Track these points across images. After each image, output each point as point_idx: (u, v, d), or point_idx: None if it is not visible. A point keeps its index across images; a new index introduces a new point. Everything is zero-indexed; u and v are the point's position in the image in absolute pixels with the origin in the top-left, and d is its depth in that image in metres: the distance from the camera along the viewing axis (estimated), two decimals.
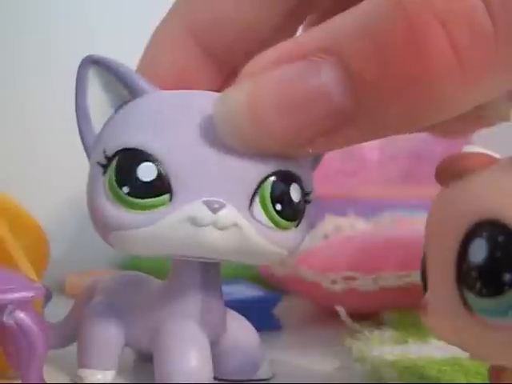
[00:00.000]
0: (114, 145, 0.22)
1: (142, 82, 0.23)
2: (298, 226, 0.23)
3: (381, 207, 0.47)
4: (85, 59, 0.23)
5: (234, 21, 0.25)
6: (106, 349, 0.25)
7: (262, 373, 0.26)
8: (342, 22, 0.19)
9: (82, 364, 0.25)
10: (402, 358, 0.26)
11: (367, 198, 0.49)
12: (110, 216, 0.22)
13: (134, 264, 0.44)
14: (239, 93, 0.20)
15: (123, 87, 0.23)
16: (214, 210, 0.21)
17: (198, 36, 0.25)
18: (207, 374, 0.23)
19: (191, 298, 0.24)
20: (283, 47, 0.20)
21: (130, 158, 0.22)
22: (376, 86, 0.18)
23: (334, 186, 0.48)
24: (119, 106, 0.23)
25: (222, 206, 0.21)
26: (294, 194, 0.22)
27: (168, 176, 0.21)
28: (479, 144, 0.19)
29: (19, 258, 0.27)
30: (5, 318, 0.22)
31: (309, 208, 0.23)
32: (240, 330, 0.26)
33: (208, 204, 0.21)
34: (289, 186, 0.22)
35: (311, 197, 0.23)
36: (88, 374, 0.25)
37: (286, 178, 0.22)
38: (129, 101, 0.23)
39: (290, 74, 0.19)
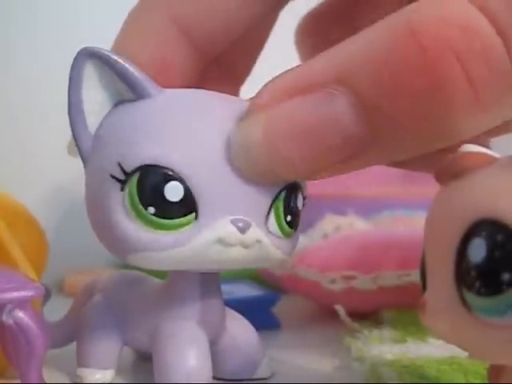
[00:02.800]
0: (132, 158, 0.21)
1: (147, 81, 0.22)
2: (295, 230, 0.23)
3: (380, 207, 0.47)
4: (81, 52, 0.21)
5: (218, 9, 0.25)
6: (105, 348, 0.25)
7: (261, 372, 0.26)
8: (354, 50, 0.19)
9: (81, 363, 0.25)
10: (401, 357, 0.26)
11: (366, 197, 0.49)
12: (133, 236, 0.21)
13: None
14: (254, 126, 0.20)
15: (123, 84, 0.22)
16: (242, 230, 0.21)
17: (181, 23, 0.25)
18: (206, 373, 0.23)
19: (191, 298, 0.24)
20: (294, 77, 0.20)
21: (155, 176, 0.21)
22: (391, 117, 0.18)
23: (333, 185, 0.48)
24: (117, 103, 0.22)
25: (249, 225, 0.21)
26: (299, 202, 0.23)
27: (194, 194, 0.21)
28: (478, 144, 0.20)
29: (18, 257, 0.27)
30: (4, 318, 0.22)
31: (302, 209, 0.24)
32: (239, 330, 0.26)
33: (236, 224, 0.21)
34: (296, 196, 0.23)
35: (306, 200, 0.24)
36: (87, 374, 0.25)
37: (293, 189, 0.22)
38: (131, 100, 0.22)
39: (303, 106, 0.19)
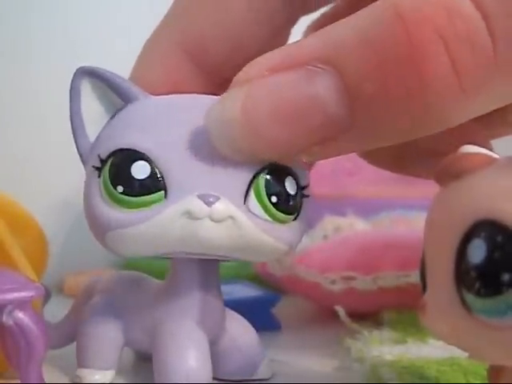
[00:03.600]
0: (107, 147, 0.22)
1: (134, 89, 0.23)
2: (296, 219, 0.23)
3: (380, 207, 0.47)
4: (77, 71, 0.23)
5: (226, 35, 0.25)
6: (105, 349, 0.25)
7: (261, 372, 0.26)
8: (340, 32, 0.19)
9: (81, 364, 0.25)
10: (400, 358, 0.26)
11: (366, 198, 0.49)
12: (105, 216, 0.22)
13: (133, 264, 0.44)
14: (233, 101, 0.20)
15: (117, 96, 0.23)
16: (209, 203, 0.21)
17: (190, 50, 0.25)
18: (206, 373, 0.23)
19: (190, 298, 0.24)
20: (278, 54, 0.20)
21: (123, 157, 0.22)
22: (373, 100, 0.18)
23: (332, 185, 0.48)
24: (114, 113, 0.24)
25: (217, 199, 0.21)
26: (289, 186, 0.23)
27: (162, 173, 0.22)
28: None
29: (18, 258, 0.27)
30: (4, 318, 0.22)
31: (306, 202, 0.23)
32: (239, 330, 0.26)
33: (202, 198, 0.21)
34: (283, 179, 0.22)
35: (308, 191, 0.23)
36: (87, 374, 0.25)
37: (279, 171, 0.22)
38: (122, 108, 0.23)
39: (285, 82, 0.19)
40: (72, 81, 0.23)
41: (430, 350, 0.27)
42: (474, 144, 0.18)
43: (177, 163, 0.22)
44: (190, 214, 0.21)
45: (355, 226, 0.42)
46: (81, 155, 0.24)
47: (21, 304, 0.22)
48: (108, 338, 0.25)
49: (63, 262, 0.44)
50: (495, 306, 0.15)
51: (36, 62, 0.51)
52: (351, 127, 0.19)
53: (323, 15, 0.30)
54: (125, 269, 0.28)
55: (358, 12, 0.19)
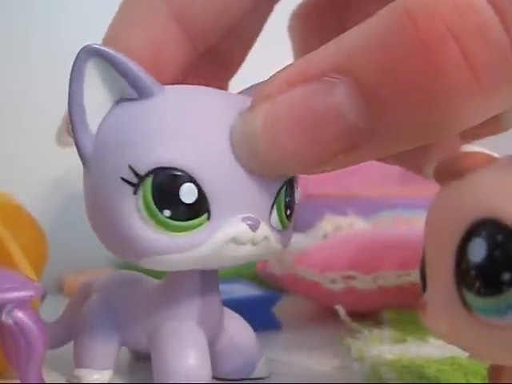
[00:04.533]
0: (144, 161, 0.21)
1: (149, 80, 0.21)
2: (291, 222, 0.24)
3: (380, 207, 0.47)
4: (83, 49, 0.21)
5: (213, 2, 0.25)
6: (103, 348, 0.25)
7: (259, 371, 0.26)
8: (353, 40, 0.19)
9: (79, 364, 0.25)
10: (401, 357, 0.26)
11: (367, 197, 0.49)
12: (147, 240, 0.21)
13: (133, 264, 0.44)
14: (256, 116, 0.20)
15: (125, 83, 0.21)
16: (253, 228, 0.21)
17: (176, 12, 0.25)
18: (206, 373, 0.23)
19: (189, 298, 0.24)
20: (296, 67, 0.20)
21: (171, 178, 0.21)
22: (391, 105, 0.18)
23: (333, 185, 0.48)
24: (118, 101, 0.22)
25: (258, 222, 0.22)
26: (297, 195, 0.23)
27: (207, 195, 0.21)
28: (478, 144, 0.19)
29: (18, 258, 0.27)
30: (3, 318, 0.22)
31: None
32: (237, 329, 0.26)
33: (247, 222, 0.21)
34: (293, 190, 0.23)
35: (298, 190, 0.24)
36: (85, 374, 0.25)
37: (292, 184, 0.23)
38: (133, 98, 0.22)
39: (304, 94, 0.19)
40: (75, 61, 0.21)
41: (430, 350, 0.27)
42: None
43: (220, 183, 0.21)
44: (237, 240, 0.21)
45: (355, 226, 0.42)
46: (80, 148, 0.22)
47: (20, 303, 0.22)
48: (106, 337, 0.25)
49: (63, 261, 0.44)
50: (495, 305, 0.15)
51: (25, 47, 0.51)
52: (373, 134, 0.19)
53: (308, 1, 0.30)
54: (125, 268, 0.28)
55: (371, 17, 0.18)
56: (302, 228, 0.45)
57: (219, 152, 0.21)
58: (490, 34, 0.17)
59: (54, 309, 0.29)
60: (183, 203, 0.21)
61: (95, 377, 0.25)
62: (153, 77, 0.22)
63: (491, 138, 0.27)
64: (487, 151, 0.18)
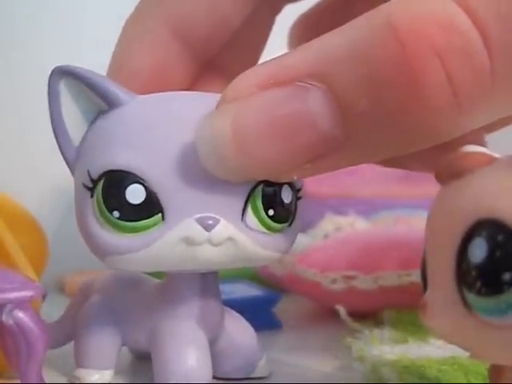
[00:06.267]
0: (97, 166, 0.22)
1: (116, 90, 0.22)
2: (291, 225, 0.23)
3: (381, 206, 0.47)
4: (54, 71, 0.22)
5: (211, 12, 0.25)
6: (104, 348, 0.25)
7: (259, 371, 0.26)
8: (332, 45, 0.18)
9: (80, 364, 0.25)
10: (401, 357, 0.26)
11: (367, 197, 0.49)
12: (103, 241, 0.22)
13: None
14: (222, 120, 0.19)
15: (97, 97, 0.22)
16: (208, 228, 0.21)
17: (175, 28, 0.25)
18: (206, 373, 0.23)
19: (189, 298, 0.24)
20: (267, 69, 0.19)
21: (117, 180, 0.21)
22: (367, 117, 0.18)
23: (333, 185, 0.48)
24: (96, 116, 0.23)
25: (216, 222, 0.21)
26: (286, 195, 0.22)
27: (157, 195, 0.21)
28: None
29: (18, 258, 0.27)
30: (4, 318, 0.22)
31: (300, 205, 0.23)
32: (237, 329, 0.26)
33: (201, 222, 0.21)
34: (280, 189, 0.22)
35: (302, 192, 0.23)
36: (85, 374, 0.25)
37: (274, 184, 0.22)
38: (106, 111, 0.22)
39: (274, 99, 0.18)
40: (49, 82, 0.22)
41: (430, 350, 0.27)
42: (471, 140, 0.18)
43: (172, 183, 0.21)
44: (188, 241, 0.21)
45: (356, 226, 0.42)
46: (67, 161, 0.23)
47: (21, 303, 0.22)
48: (106, 337, 0.25)
49: (64, 261, 0.44)
50: (496, 305, 0.15)
51: (24, 49, 0.51)
52: (344, 144, 0.18)
53: (307, 15, 0.30)
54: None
55: (351, 22, 0.18)
56: (302, 228, 0.45)
57: (173, 154, 0.21)
58: (473, 56, 0.17)
59: (55, 309, 0.29)
60: (130, 204, 0.21)
61: (96, 377, 0.25)
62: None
63: (491, 138, 0.27)
64: (487, 151, 0.18)
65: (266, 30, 0.29)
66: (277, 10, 0.28)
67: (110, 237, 0.22)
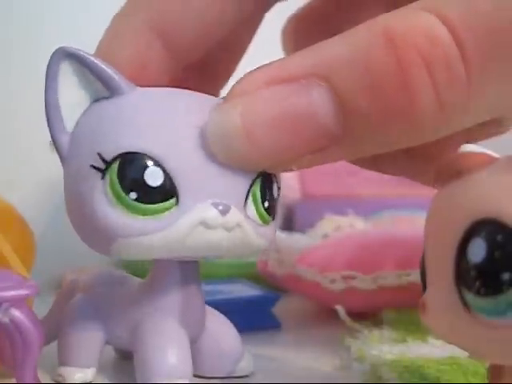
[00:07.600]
0: (111, 147, 0.21)
1: (120, 78, 0.22)
2: (273, 219, 0.24)
3: (380, 207, 0.47)
4: (57, 51, 0.22)
5: (198, 17, 0.25)
6: (87, 347, 0.25)
7: (242, 369, 0.26)
8: (335, 49, 0.20)
9: (63, 362, 0.25)
10: (401, 357, 0.26)
11: (367, 197, 0.49)
12: (114, 223, 0.21)
13: (133, 263, 0.44)
14: (232, 113, 0.21)
15: (99, 83, 0.22)
16: (223, 212, 0.21)
17: (159, 30, 0.25)
18: (187, 371, 0.23)
19: (171, 296, 0.24)
20: (274, 68, 0.21)
21: (136, 162, 0.21)
22: (364, 114, 0.19)
23: (333, 185, 0.48)
24: (93, 101, 0.22)
25: (229, 207, 0.22)
26: (275, 190, 0.23)
27: (174, 179, 0.21)
28: (479, 144, 0.20)
29: (10, 256, 0.27)
30: (0, 316, 0.22)
31: (278, 202, 0.24)
32: (219, 327, 0.26)
33: (217, 207, 0.21)
34: (272, 185, 0.23)
35: (280, 191, 0.24)
36: (69, 372, 0.25)
37: (269, 177, 0.23)
38: (106, 97, 0.22)
39: (281, 94, 0.20)
40: (49, 63, 0.22)
41: (430, 350, 0.27)
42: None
43: (188, 168, 0.21)
44: (205, 223, 0.21)
45: (355, 226, 0.42)
46: (57, 147, 0.22)
47: (17, 302, 0.22)
48: (89, 335, 0.25)
49: (63, 259, 0.44)
50: (495, 305, 0.15)
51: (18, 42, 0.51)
52: (342, 138, 0.20)
53: (299, 14, 0.30)
54: (122, 267, 0.28)
55: (352, 30, 0.20)
56: (302, 228, 0.46)
57: (186, 138, 0.21)
58: (453, 66, 0.19)
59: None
60: (149, 186, 0.21)
61: (79, 375, 0.25)
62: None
63: (491, 138, 0.27)
64: (487, 151, 0.18)
65: (252, 30, 0.29)
66: (264, 9, 0.28)
67: (122, 218, 0.21)
